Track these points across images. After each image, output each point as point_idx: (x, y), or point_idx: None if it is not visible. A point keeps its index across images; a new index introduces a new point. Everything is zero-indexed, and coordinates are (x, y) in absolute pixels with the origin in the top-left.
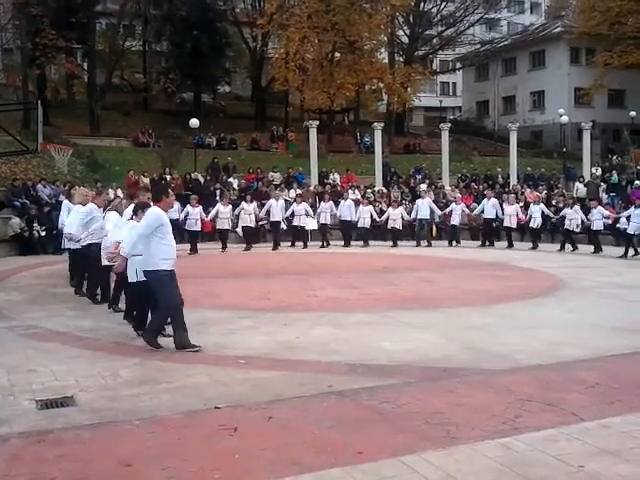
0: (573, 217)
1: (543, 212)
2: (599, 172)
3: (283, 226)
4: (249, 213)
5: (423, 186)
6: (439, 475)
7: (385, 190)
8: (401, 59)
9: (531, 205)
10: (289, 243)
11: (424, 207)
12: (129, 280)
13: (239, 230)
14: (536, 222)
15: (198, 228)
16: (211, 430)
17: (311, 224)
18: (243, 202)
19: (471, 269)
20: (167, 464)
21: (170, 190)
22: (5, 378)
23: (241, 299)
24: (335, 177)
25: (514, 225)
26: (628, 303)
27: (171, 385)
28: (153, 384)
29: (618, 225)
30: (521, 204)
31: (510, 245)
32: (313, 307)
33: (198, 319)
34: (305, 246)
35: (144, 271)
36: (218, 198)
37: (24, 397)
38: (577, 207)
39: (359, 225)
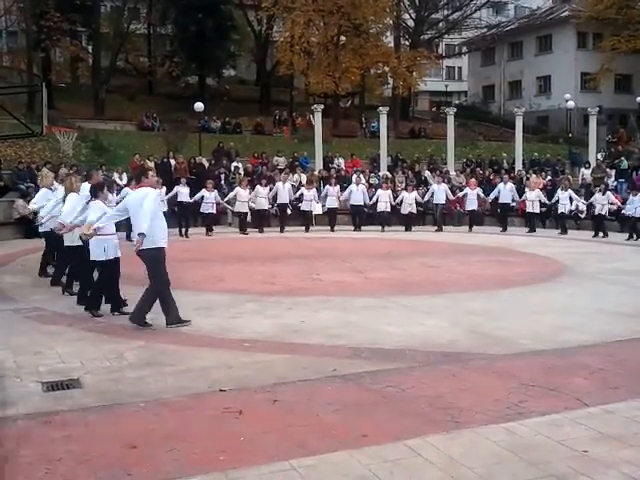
0: (604, 203)
1: (571, 198)
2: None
3: (289, 210)
4: (263, 196)
5: (427, 172)
6: (443, 459)
7: (389, 175)
8: (407, 43)
9: (559, 191)
10: (296, 227)
11: (440, 192)
12: (93, 259)
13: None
14: (566, 208)
15: (214, 212)
16: (216, 413)
17: (317, 208)
18: (258, 186)
19: (476, 254)
20: (172, 446)
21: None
22: (12, 360)
23: (246, 283)
24: (340, 162)
25: (537, 210)
26: (633, 289)
27: (176, 368)
28: (158, 367)
29: (623, 211)
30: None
31: (532, 230)
32: (318, 291)
33: (203, 302)
34: (307, 230)
35: (148, 249)
36: (223, 182)
37: (30, 379)
38: (609, 193)
39: (379, 210)
